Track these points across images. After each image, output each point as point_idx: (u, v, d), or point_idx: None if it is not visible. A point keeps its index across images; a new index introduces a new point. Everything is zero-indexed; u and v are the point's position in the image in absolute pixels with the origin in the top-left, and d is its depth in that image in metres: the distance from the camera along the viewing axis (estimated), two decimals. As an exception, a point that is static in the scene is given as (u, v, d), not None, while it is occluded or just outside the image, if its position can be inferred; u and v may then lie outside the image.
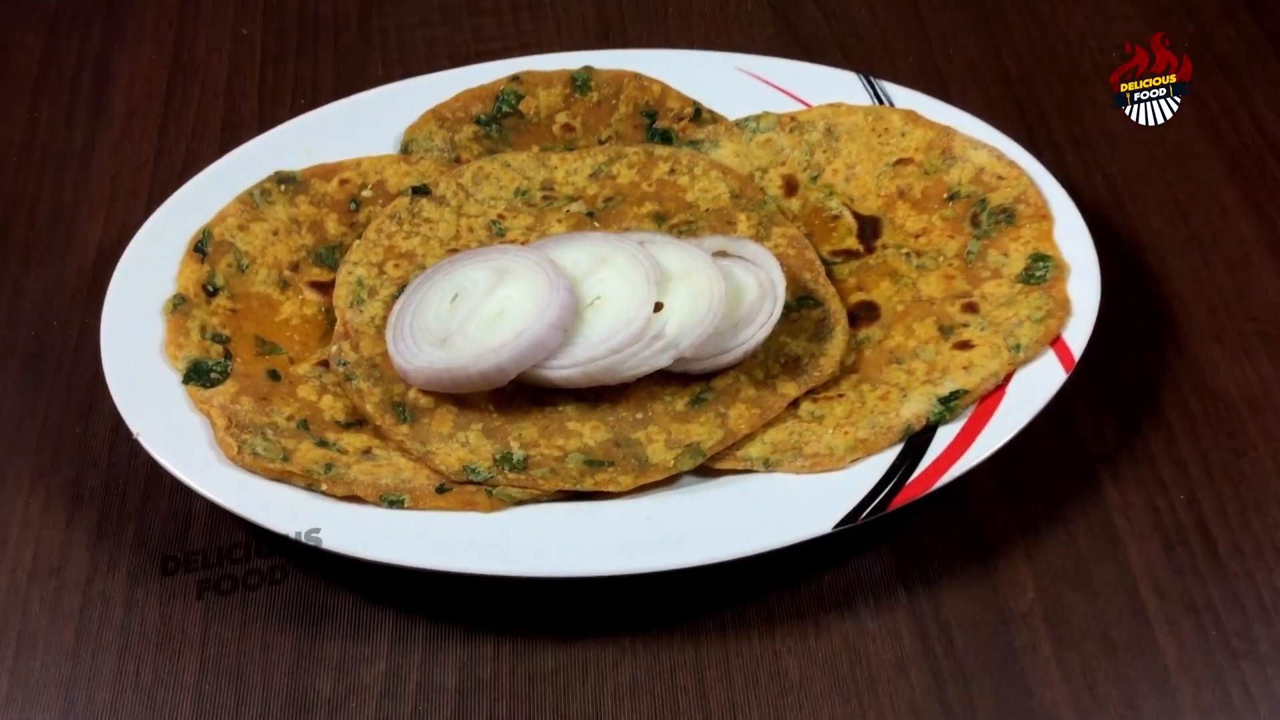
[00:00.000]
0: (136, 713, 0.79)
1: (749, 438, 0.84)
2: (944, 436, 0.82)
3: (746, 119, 1.02)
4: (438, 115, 1.02)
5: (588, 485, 0.81)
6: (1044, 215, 0.92)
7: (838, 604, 0.82)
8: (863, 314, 0.92)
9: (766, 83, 1.03)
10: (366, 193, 0.98)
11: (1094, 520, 0.86)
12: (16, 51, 1.20)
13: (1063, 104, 1.12)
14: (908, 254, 0.94)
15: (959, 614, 0.82)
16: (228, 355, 0.88)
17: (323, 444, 0.84)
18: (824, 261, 0.94)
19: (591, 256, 0.87)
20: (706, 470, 0.83)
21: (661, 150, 1.00)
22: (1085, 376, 0.90)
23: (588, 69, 1.04)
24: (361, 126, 1.01)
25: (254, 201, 0.96)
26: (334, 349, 0.89)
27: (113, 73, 1.18)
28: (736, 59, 1.05)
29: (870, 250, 0.96)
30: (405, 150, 1.01)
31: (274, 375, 0.88)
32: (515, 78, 1.04)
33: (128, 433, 0.82)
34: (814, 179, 0.99)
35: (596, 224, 0.96)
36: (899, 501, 0.79)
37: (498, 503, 0.81)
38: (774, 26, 1.20)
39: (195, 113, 1.14)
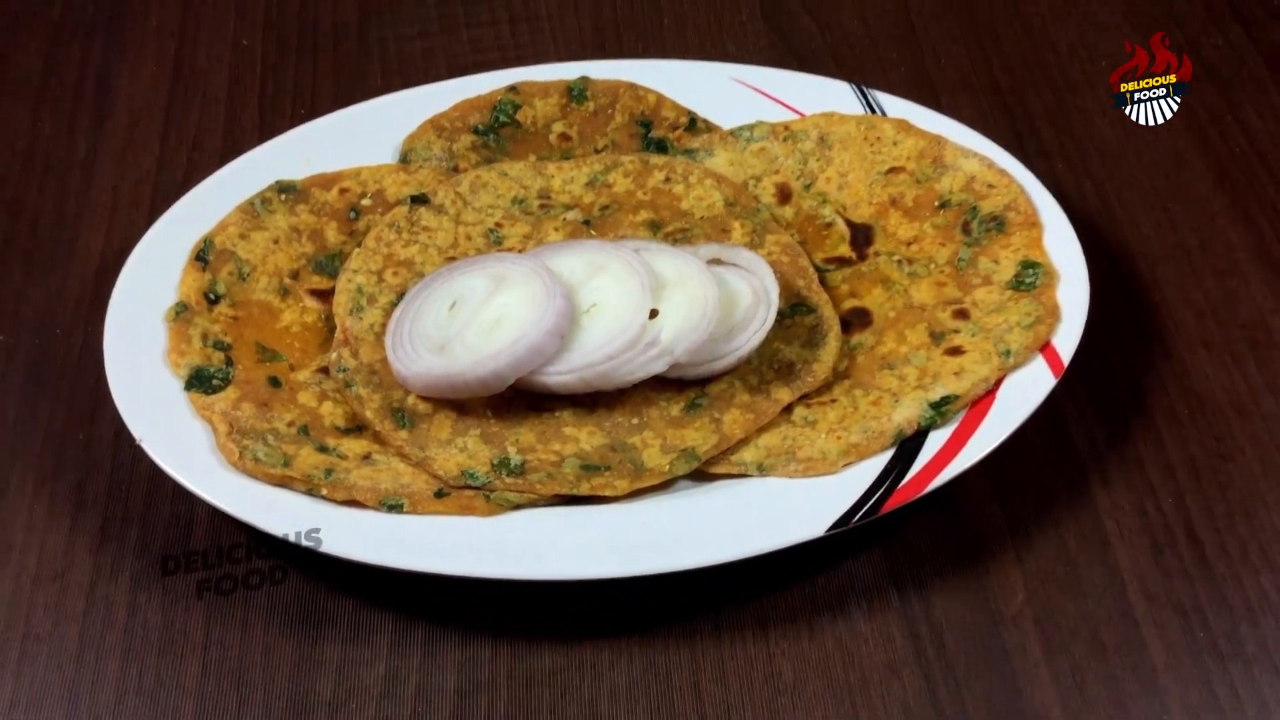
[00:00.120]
0: (140, 716, 0.79)
1: (743, 442, 0.85)
2: (935, 441, 0.83)
3: (740, 128, 1.02)
4: (436, 125, 1.03)
5: (584, 489, 0.82)
6: (1034, 223, 0.93)
7: (831, 606, 0.83)
8: (855, 320, 0.92)
9: (760, 92, 1.04)
10: (366, 201, 0.99)
11: (1083, 523, 0.86)
12: (19, 61, 1.20)
13: (1053, 113, 1.13)
14: (899, 261, 0.95)
15: (950, 616, 0.82)
16: (229, 362, 0.88)
17: (323, 449, 0.84)
18: (817, 268, 0.95)
19: (588, 264, 0.88)
20: (701, 474, 0.84)
21: (657, 159, 1.01)
22: (1075, 382, 0.91)
23: (584, 79, 1.05)
24: (361, 136, 1.02)
25: (255, 210, 0.96)
26: (334, 355, 0.89)
27: (114, 82, 1.18)
28: (731, 69, 1.06)
29: (863, 257, 0.96)
30: (404, 159, 1.02)
31: (275, 382, 0.89)
32: (512, 88, 1.04)
33: (130, 439, 0.83)
34: (807, 187, 1.00)
35: (593, 232, 0.97)
36: (891, 505, 0.80)
37: (495, 507, 0.81)
38: (768, 37, 1.21)
39: (196, 122, 1.14)
